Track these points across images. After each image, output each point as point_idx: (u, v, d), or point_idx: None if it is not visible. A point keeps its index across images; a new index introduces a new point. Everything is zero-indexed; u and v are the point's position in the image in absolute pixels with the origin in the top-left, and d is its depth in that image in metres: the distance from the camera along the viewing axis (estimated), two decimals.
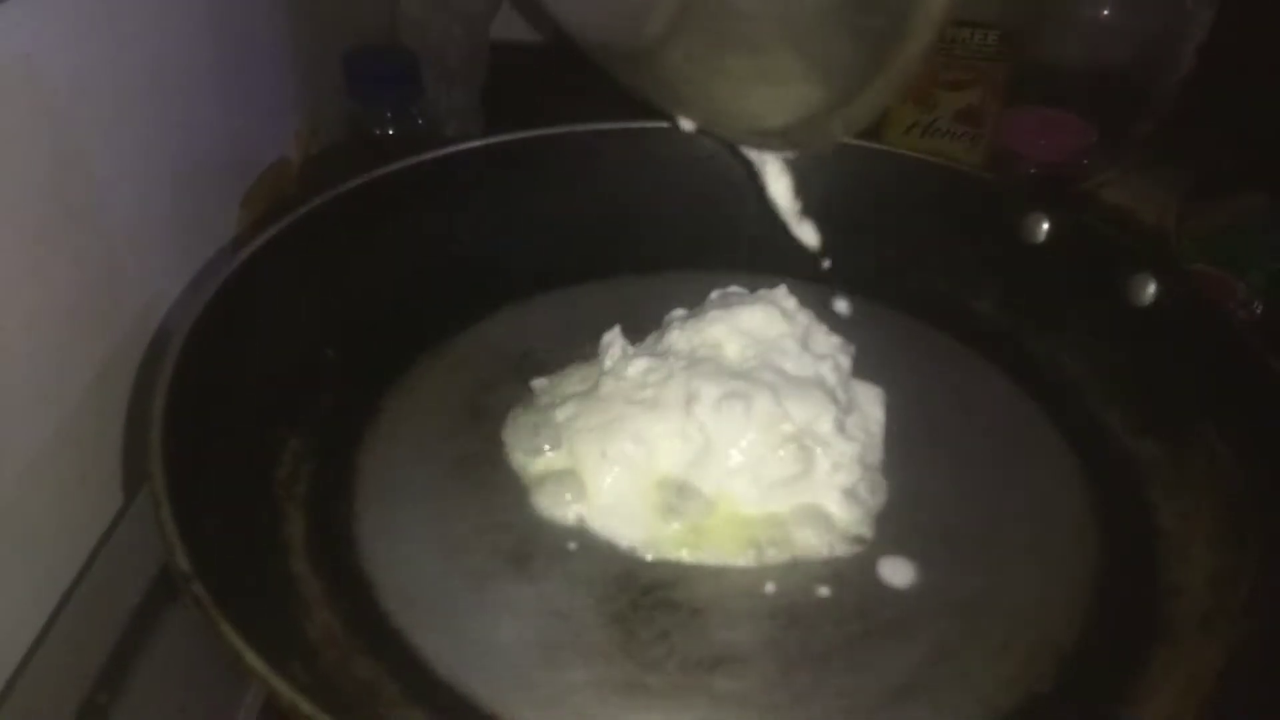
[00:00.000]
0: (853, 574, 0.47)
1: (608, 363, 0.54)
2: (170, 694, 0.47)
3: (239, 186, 0.69)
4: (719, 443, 0.49)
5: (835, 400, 0.51)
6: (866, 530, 0.49)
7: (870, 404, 0.54)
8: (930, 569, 0.47)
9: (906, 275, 0.61)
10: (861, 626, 0.45)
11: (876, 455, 0.52)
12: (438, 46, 0.86)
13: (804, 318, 0.55)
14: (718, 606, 0.46)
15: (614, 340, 0.55)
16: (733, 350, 0.53)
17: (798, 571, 0.47)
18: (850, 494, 0.49)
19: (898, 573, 0.47)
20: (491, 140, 0.62)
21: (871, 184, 0.61)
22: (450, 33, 0.87)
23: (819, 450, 0.49)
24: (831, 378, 0.52)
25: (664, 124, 0.64)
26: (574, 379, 0.55)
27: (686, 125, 0.52)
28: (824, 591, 0.46)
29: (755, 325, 0.54)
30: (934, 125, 0.80)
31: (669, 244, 0.63)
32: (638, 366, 0.52)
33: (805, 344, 0.53)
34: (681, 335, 0.54)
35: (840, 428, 0.50)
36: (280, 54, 0.74)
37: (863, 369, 0.58)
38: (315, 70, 0.77)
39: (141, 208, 0.58)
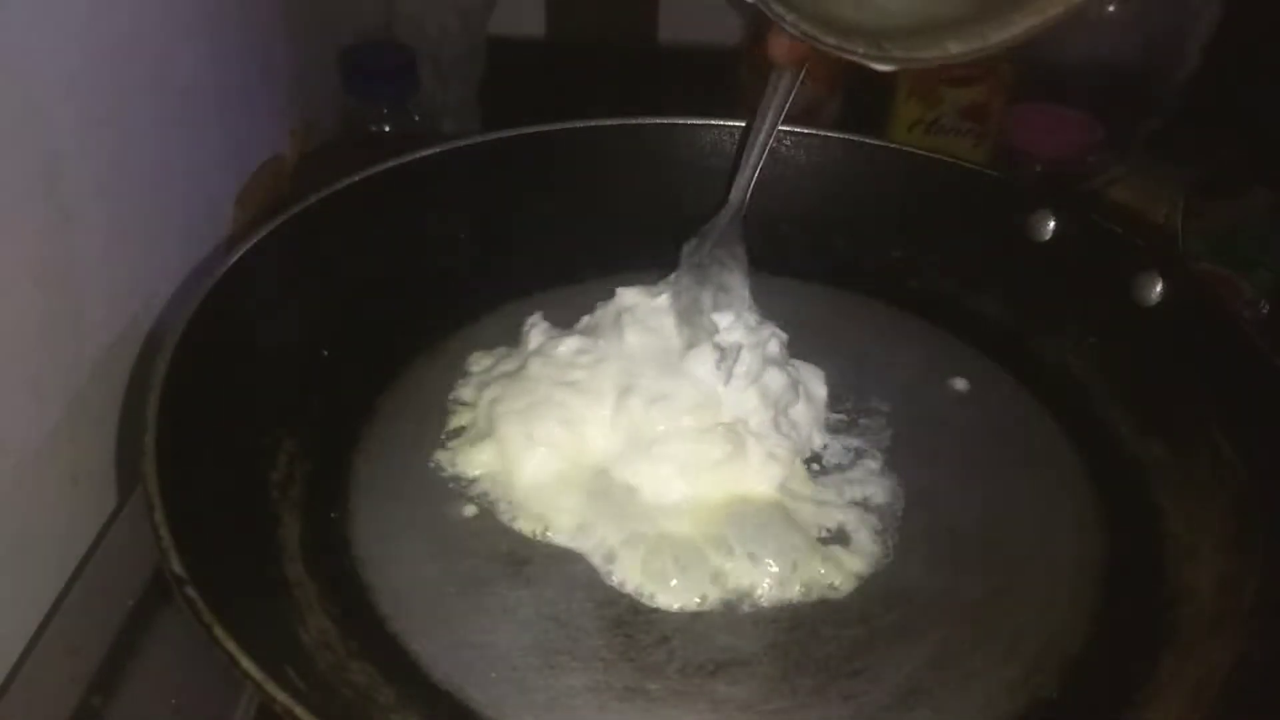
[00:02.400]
0: (855, 577, 0.47)
1: (533, 343, 0.54)
2: (164, 697, 0.46)
3: (233, 184, 0.69)
4: (650, 434, 0.49)
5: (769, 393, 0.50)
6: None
7: (814, 384, 0.54)
8: (935, 572, 0.47)
9: (910, 273, 0.61)
10: (865, 630, 0.45)
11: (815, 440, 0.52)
12: (434, 43, 0.86)
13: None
14: (718, 610, 0.45)
15: (536, 323, 0.55)
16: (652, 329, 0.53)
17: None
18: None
19: (902, 576, 0.47)
20: (488, 137, 0.61)
21: (876, 181, 0.60)
22: (447, 29, 0.87)
23: (751, 440, 0.49)
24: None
25: (662, 121, 0.63)
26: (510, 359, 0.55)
27: (787, 22, 0.45)
28: (826, 595, 0.46)
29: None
30: (939, 122, 0.79)
31: (668, 243, 0.63)
32: (566, 345, 0.52)
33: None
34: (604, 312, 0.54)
35: (775, 424, 0.50)
36: (275, 50, 0.73)
37: (865, 368, 0.57)
38: (311, 67, 0.76)
39: (136, 205, 0.57)
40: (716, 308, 0.52)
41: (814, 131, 0.63)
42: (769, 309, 0.55)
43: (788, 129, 0.63)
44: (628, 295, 0.54)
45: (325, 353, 0.54)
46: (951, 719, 0.42)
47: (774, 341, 0.52)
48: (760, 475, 0.49)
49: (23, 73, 0.47)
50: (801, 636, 0.44)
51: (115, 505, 0.56)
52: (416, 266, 0.58)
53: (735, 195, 0.54)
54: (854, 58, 0.41)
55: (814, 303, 0.56)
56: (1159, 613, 0.45)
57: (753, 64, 0.81)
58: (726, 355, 0.49)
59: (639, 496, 0.48)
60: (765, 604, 0.45)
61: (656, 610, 0.45)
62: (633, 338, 0.52)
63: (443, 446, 0.51)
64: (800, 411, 0.52)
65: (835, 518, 0.49)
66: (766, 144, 0.53)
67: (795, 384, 0.52)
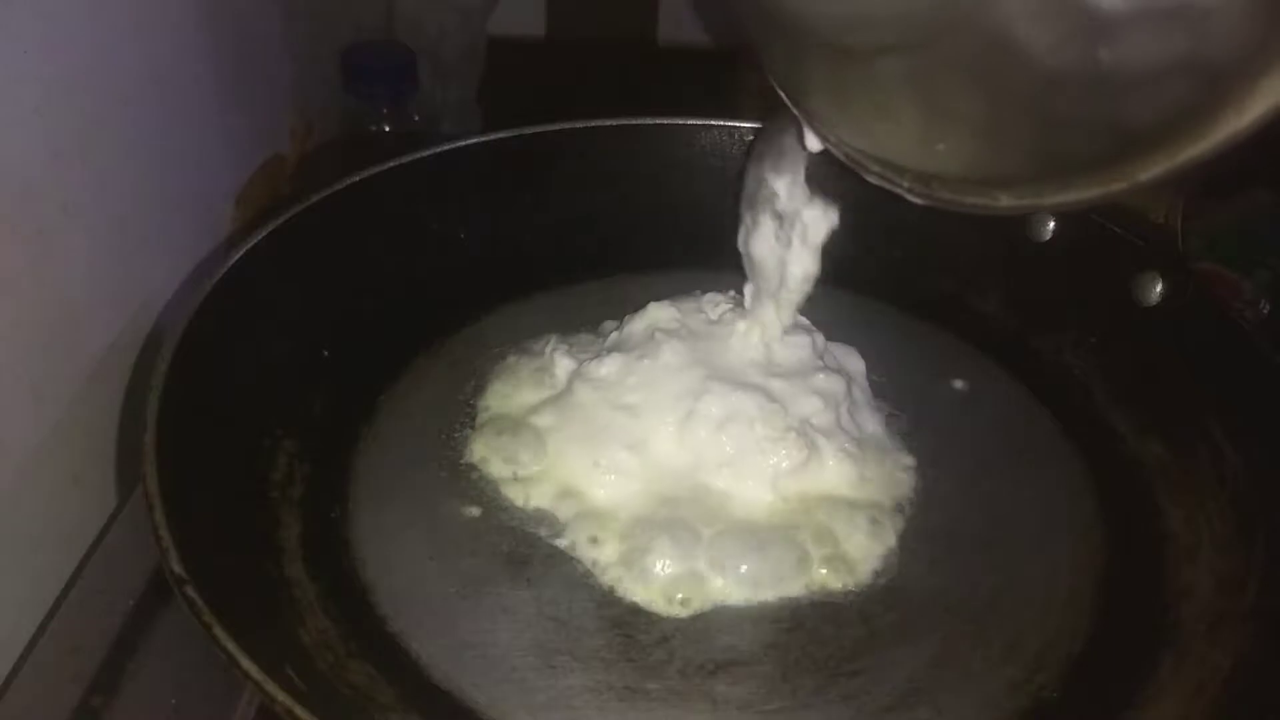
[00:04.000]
0: (856, 577, 0.47)
1: (563, 366, 0.53)
2: (164, 698, 0.46)
3: (233, 183, 0.69)
4: (718, 448, 0.48)
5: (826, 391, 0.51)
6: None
7: (851, 362, 0.54)
8: (935, 572, 0.47)
9: (911, 274, 0.61)
10: (865, 630, 0.44)
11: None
12: (434, 42, 0.86)
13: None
14: (719, 610, 0.45)
15: (556, 345, 0.55)
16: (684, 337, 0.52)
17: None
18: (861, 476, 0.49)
19: (902, 576, 0.47)
20: (488, 137, 0.61)
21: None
22: (447, 28, 0.87)
23: (821, 440, 0.49)
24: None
25: (662, 121, 0.63)
26: (527, 386, 0.54)
27: (810, 135, 0.45)
28: (826, 595, 0.46)
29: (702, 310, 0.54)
30: None
31: (668, 243, 0.63)
32: (610, 366, 0.51)
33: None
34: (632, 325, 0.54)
35: (839, 421, 0.50)
36: (276, 49, 0.73)
37: (864, 368, 0.57)
38: (311, 66, 0.76)
39: (136, 204, 0.57)
40: (776, 173, 0.51)
41: None
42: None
43: None
44: (659, 311, 0.54)
45: (325, 353, 0.54)
46: (951, 719, 0.42)
47: (821, 222, 0.51)
48: (837, 474, 0.49)
49: (23, 72, 0.47)
50: (801, 636, 0.44)
51: (115, 505, 0.56)
52: (416, 266, 0.58)
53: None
54: (895, 189, 0.40)
55: (814, 303, 0.56)
56: (1159, 613, 0.45)
57: (753, 64, 0.81)
58: (785, 222, 0.49)
59: (728, 504, 0.48)
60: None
61: (657, 610, 0.45)
62: (670, 355, 0.51)
63: (499, 482, 0.50)
64: (857, 400, 0.52)
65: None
66: None
67: (847, 379, 0.52)
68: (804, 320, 0.54)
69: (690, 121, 0.64)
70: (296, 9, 0.74)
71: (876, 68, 0.37)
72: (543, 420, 0.51)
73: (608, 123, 0.63)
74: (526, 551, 0.47)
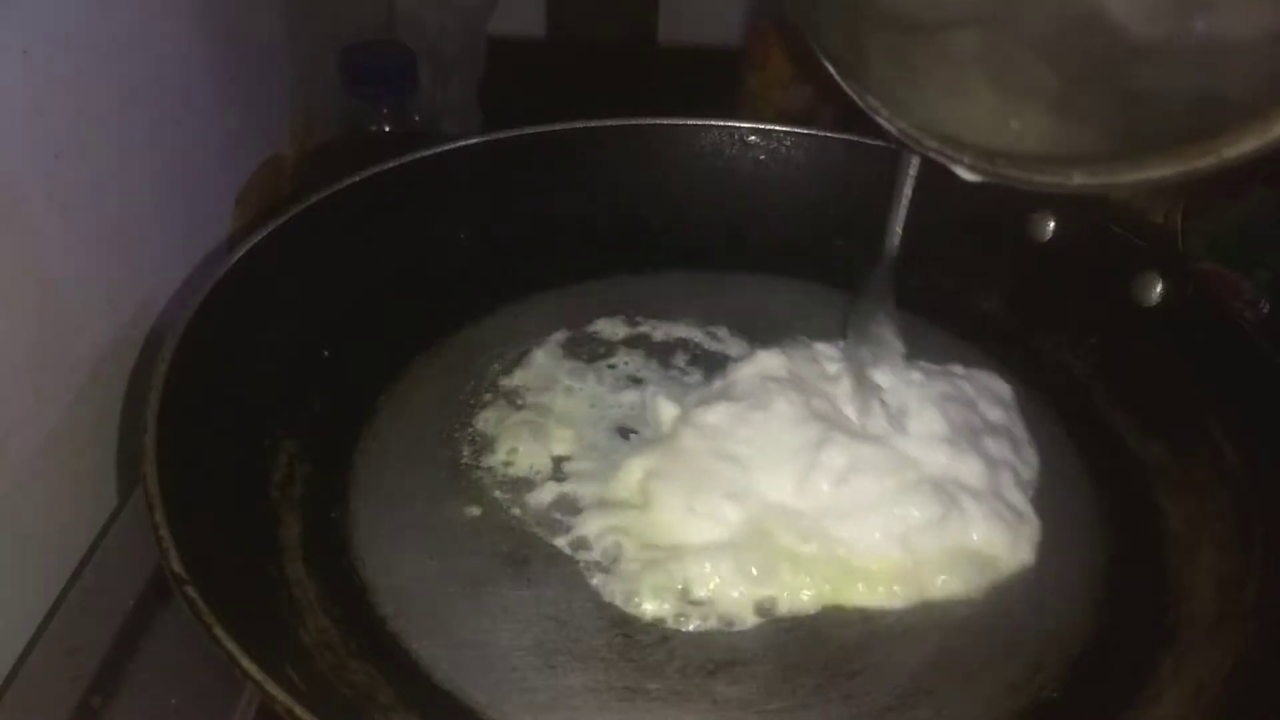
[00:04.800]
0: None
1: (667, 415, 0.52)
2: (164, 697, 0.46)
3: (234, 183, 0.69)
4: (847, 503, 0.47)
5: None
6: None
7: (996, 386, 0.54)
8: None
9: (911, 273, 0.61)
10: (865, 630, 0.44)
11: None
12: (434, 42, 0.86)
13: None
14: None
15: (655, 394, 0.54)
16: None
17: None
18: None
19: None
20: (489, 137, 0.61)
21: (876, 181, 0.60)
22: (447, 28, 0.87)
23: (965, 497, 0.47)
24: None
25: (662, 121, 0.63)
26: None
27: (883, 116, 0.43)
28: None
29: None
30: None
31: (668, 243, 0.63)
32: (717, 414, 0.50)
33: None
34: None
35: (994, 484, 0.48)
36: (276, 49, 0.73)
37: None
38: (311, 66, 0.76)
39: (136, 204, 0.57)
40: (876, 363, 0.52)
41: (814, 132, 0.63)
42: (769, 309, 0.55)
43: (787, 129, 0.63)
44: (768, 359, 0.52)
45: (325, 353, 0.54)
46: (951, 719, 0.42)
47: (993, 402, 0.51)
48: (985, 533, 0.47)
49: (24, 72, 0.47)
50: (801, 636, 0.44)
51: (115, 505, 0.56)
52: (416, 267, 0.58)
53: (888, 244, 0.52)
54: (953, 165, 0.39)
55: (814, 303, 0.56)
56: (1159, 613, 0.45)
57: (752, 64, 0.81)
58: (864, 391, 0.49)
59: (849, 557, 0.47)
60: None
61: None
62: (783, 405, 0.50)
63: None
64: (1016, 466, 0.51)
65: None
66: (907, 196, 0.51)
67: (1015, 443, 0.51)
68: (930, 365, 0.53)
69: (690, 121, 0.64)
70: (297, 8, 0.74)
71: (949, 43, 0.35)
72: (641, 462, 0.50)
73: (608, 123, 0.63)
74: (526, 551, 0.47)
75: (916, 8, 0.36)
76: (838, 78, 0.42)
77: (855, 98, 0.42)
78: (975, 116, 0.37)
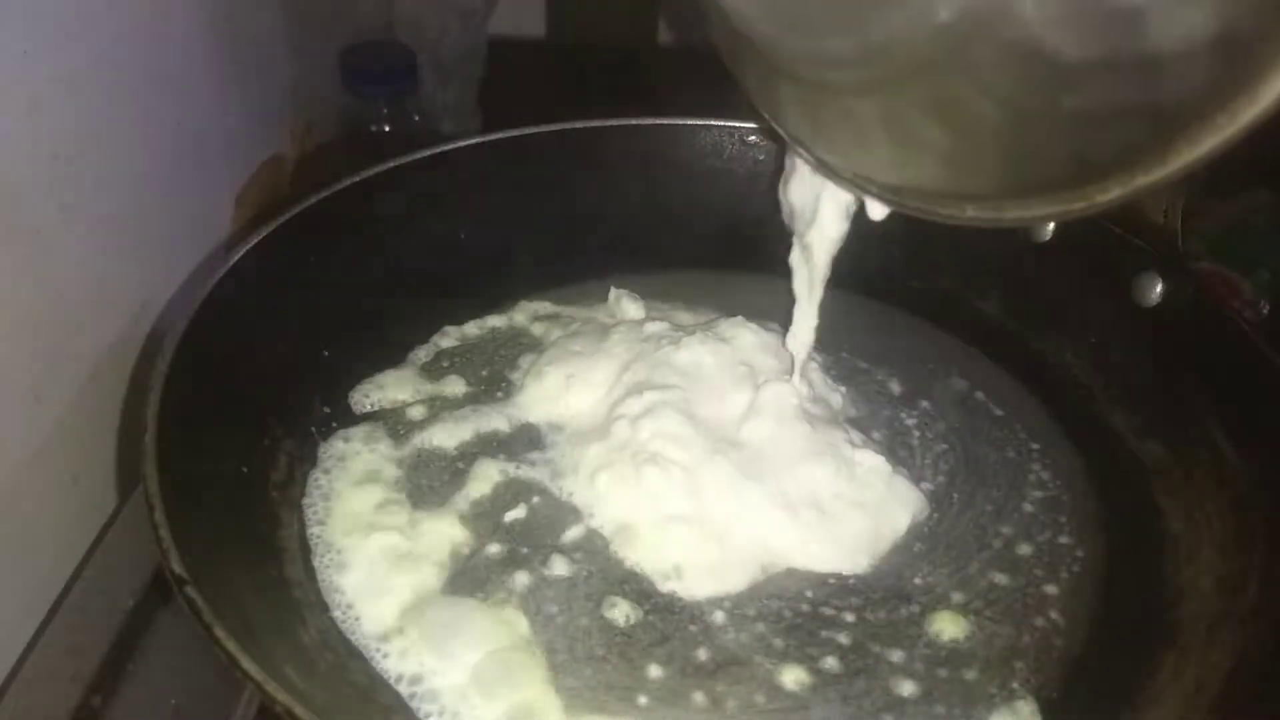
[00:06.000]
0: (854, 578, 0.47)
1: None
2: (164, 698, 0.46)
3: (233, 183, 0.69)
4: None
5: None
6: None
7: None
8: (934, 573, 0.47)
9: (911, 274, 0.61)
10: (863, 631, 0.44)
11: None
12: (434, 42, 0.86)
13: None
14: (718, 611, 0.45)
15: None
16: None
17: (797, 576, 0.47)
18: None
19: (900, 577, 0.47)
20: (488, 137, 0.61)
21: None
22: (447, 29, 0.87)
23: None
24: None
25: (662, 121, 0.63)
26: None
27: (802, 149, 0.46)
28: (825, 596, 0.46)
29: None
30: None
31: (668, 243, 0.63)
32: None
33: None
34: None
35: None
36: (276, 50, 0.73)
37: (866, 369, 0.57)
38: (311, 66, 0.76)
39: (135, 205, 0.57)
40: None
41: None
42: (769, 309, 0.55)
43: None
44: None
45: (325, 353, 0.53)
46: (952, 719, 0.42)
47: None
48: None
49: (23, 73, 0.47)
50: (801, 636, 0.44)
51: (115, 505, 0.56)
52: (416, 267, 0.58)
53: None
54: (865, 195, 0.43)
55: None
56: (1159, 613, 0.45)
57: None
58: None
59: None
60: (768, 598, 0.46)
61: (656, 610, 0.45)
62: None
63: None
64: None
65: None
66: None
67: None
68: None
69: (690, 121, 0.64)
70: (296, 9, 0.74)
71: (849, 102, 0.39)
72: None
73: (608, 123, 0.63)
74: (527, 551, 0.47)
75: (820, 71, 0.39)
76: (763, 114, 0.46)
77: (778, 129, 0.45)
78: (878, 163, 0.41)
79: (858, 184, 0.42)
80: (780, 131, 0.45)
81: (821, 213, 0.48)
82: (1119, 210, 0.54)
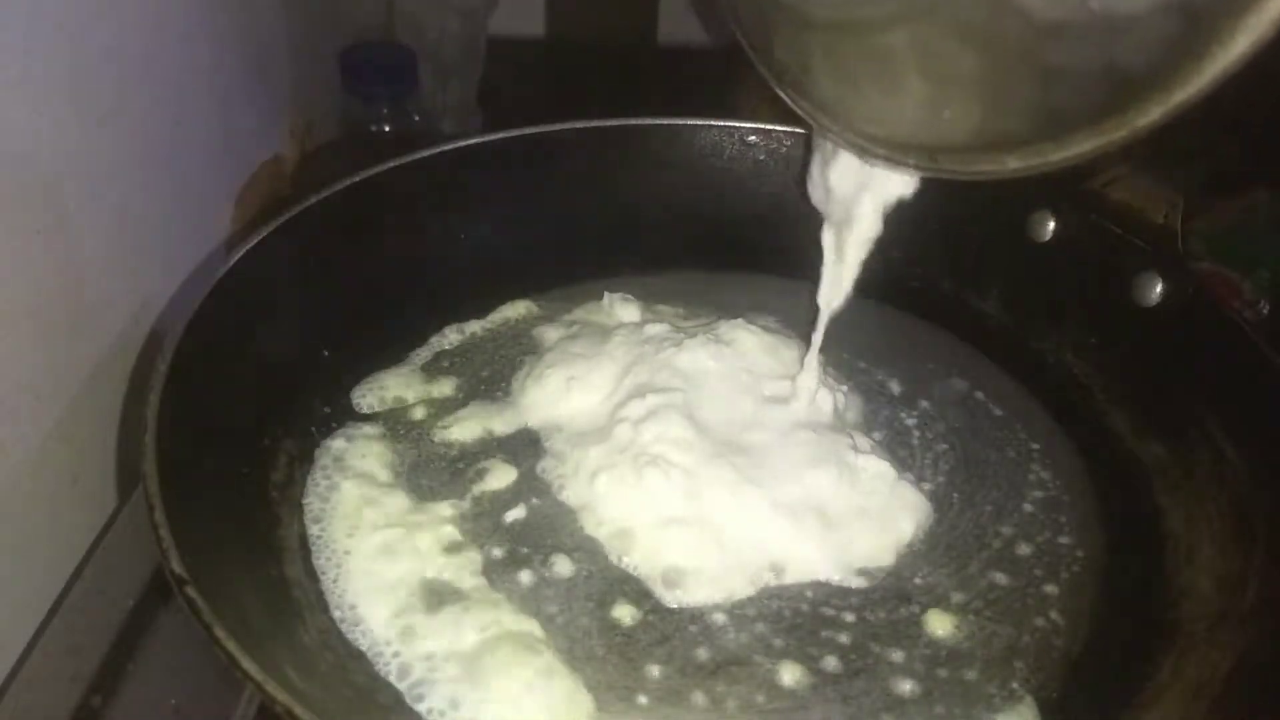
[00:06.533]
0: (854, 578, 0.47)
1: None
2: (164, 697, 0.46)
3: (233, 183, 0.69)
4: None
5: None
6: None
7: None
8: (934, 573, 0.47)
9: (911, 274, 0.61)
10: (863, 631, 0.44)
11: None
12: (434, 42, 0.86)
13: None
14: (718, 611, 0.45)
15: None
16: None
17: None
18: None
19: (900, 577, 0.47)
20: (488, 137, 0.61)
21: None
22: (447, 28, 0.87)
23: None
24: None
25: (662, 121, 0.63)
26: None
27: (833, 131, 0.45)
28: (825, 596, 0.46)
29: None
30: None
31: (668, 243, 0.63)
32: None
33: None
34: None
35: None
36: (275, 50, 0.73)
37: (865, 368, 0.57)
38: (310, 66, 0.76)
39: (135, 205, 0.57)
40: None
41: None
42: (770, 309, 0.55)
43: (787, 129, 0.63)
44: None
45: (325, 353, 0.53)
46: (952, 718, 0.42)
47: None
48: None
49: (23, 74, 0.47)
50: (801, 636, 0.44)
51: (115, 505, 0.56)
52: (416, 267, 0.58)
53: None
54: (901, 168, 0.42)
55: (814, 303, 0.56)
56: (1159, 613, 0.45)
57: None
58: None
59: None
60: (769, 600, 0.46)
61: (656, 610, 0.45)
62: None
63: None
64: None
65: None
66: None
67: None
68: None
69: (690, 121, 0.64)
70: (296, 9, 0.74)
71: (882, 40, 0.38)
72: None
73: (608, 123, 0.63)
74: (527, 550, 0.47)
75: (848, 10, 0.39)
76: (789, 99, 0.45)
77: (806, 116, 0.45)
78: (913, 113, 0.39)
79: (895, 158, 0.41)
80: (808, 110, 0.45)
81: (861, 214, 0.48)
82: (1118, 211, 0.54)
